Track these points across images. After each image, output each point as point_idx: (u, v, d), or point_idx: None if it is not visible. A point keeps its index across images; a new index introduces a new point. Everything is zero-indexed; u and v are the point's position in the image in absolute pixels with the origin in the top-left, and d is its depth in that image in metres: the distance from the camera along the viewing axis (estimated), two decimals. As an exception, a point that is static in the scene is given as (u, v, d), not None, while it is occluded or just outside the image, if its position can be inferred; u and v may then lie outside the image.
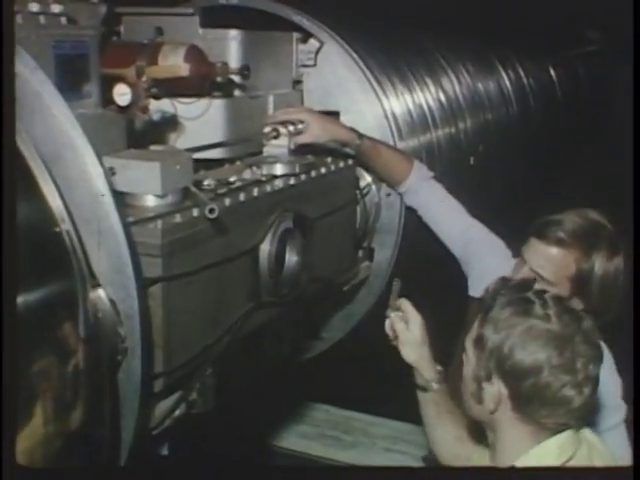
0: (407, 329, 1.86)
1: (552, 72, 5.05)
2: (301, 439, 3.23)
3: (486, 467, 1.63)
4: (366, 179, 2.63)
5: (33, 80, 1.45)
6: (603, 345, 2.13)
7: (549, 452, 1.55)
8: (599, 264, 2.00)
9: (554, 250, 2.03)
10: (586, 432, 1.62)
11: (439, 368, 1.88)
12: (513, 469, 1.65)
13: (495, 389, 1.55)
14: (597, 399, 2.06)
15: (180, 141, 2.14)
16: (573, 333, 1.53)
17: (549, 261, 2.03)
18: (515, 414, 1.55)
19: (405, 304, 1.89)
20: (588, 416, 1.61)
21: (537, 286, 2.03)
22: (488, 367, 1.55)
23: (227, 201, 1.80)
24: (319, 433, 3.29)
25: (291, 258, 2.06)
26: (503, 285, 1.65)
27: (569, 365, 1.50)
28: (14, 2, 1.49)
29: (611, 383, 2.06)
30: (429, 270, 2.98)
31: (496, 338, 1.53)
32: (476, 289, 2.37)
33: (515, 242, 2.32)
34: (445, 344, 2.50)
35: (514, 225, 2.30)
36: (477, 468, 1.62)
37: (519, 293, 1.60)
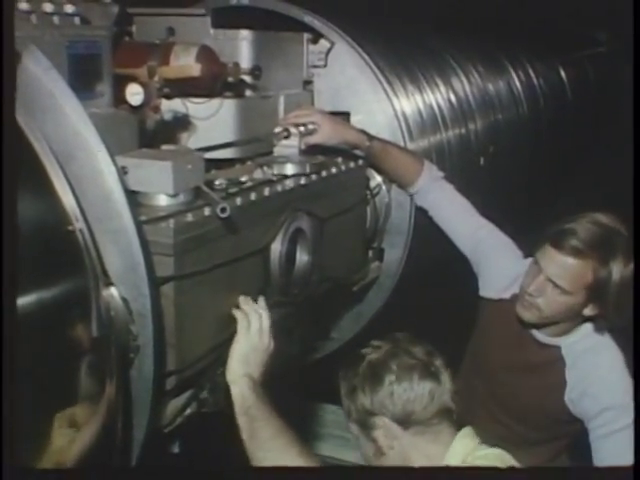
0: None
1: (562, 73, 5.03)
2: (309, 439, 3.23)
3: (486, 467, 1.63)
4: (376, 179, 2.63)
5: (46, 79, 1.46)
6: (615, 346, 2.14)
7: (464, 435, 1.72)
8: (616, 271, 1.99)
9: (571, 260, 2.01)
10: None
11: None
12: (513, 469, 1.66)
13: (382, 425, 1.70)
14: (608, 400, 2.07)
15: (191, 141, 2.14)
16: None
17: (566, 271, 2.02)
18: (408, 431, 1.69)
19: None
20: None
21: (551, 293, 2.04)
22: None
23: (238, 200, 1.81)
24: (327, 433, 3.28)
25: (302, 258, 2.06)
26: None
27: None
28: (14, 2, 1.50)
29: (621, 382, 2.06)
30: (440, 270, 2.98)
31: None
32: (487, 289, 2.37)
33: (526, 242, 2.32)
34: (456, 344, 2.50)
35: (524, 225, 2.29)
36: (477, 468, 1.62)
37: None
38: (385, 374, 1.72)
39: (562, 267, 2.02)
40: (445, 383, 1.72)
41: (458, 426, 1.74)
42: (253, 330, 1.77)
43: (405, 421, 1.70)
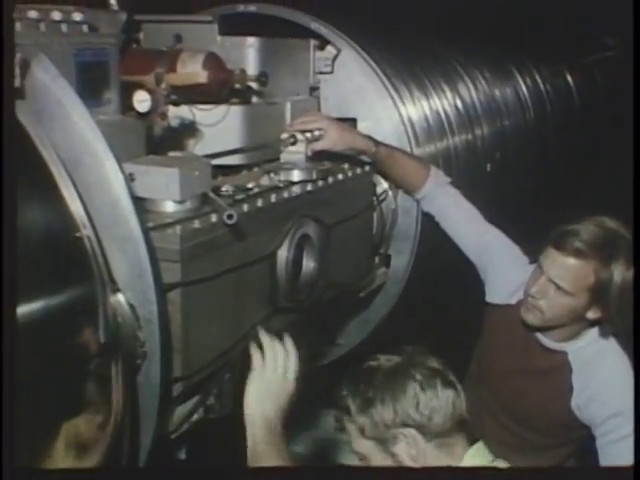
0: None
1: (569, 78, 5.03)
2: (314, 444, 3.22)
3: (486, 467, 1.63)
4: (383, 185, 2.63)
5: (55, 87, 1.47)
6: (621, 351, 2.14)
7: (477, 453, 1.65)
8: (618, 274, 1.99)
9: (572, 261, 2.01)
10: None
11: None
12: (513, 469, 1.65)
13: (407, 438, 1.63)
14: (616, 406, 2.06)
15: (198, 147, 2.15)
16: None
17: (568, 272, 2.02)
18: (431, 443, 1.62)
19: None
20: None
21: (553, 295, 2.04)
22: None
23: (245, 207, 1.81)
24: (333, 439, 3.28)
25: (308, 264, 2.07)
26: None
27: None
28: (14, 4, 1.50)
29: (628, 387, 2.05)
30: (446, 276, 2.98)
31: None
32: (493, 295, 2.37)
33: (532, 248, 2.32)
34: (462, 350, 2.50)
35: (531, 231, 2.29)
36: (477, 468, 1.61)
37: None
38: (408, 382, 1.63)
39: (564, 268, 2.02)
40: (461, 393, 1.66)
41: (470, 439, 1.68)
42: (268, 370, 1.68)
43: (429, 432, 1.61)
